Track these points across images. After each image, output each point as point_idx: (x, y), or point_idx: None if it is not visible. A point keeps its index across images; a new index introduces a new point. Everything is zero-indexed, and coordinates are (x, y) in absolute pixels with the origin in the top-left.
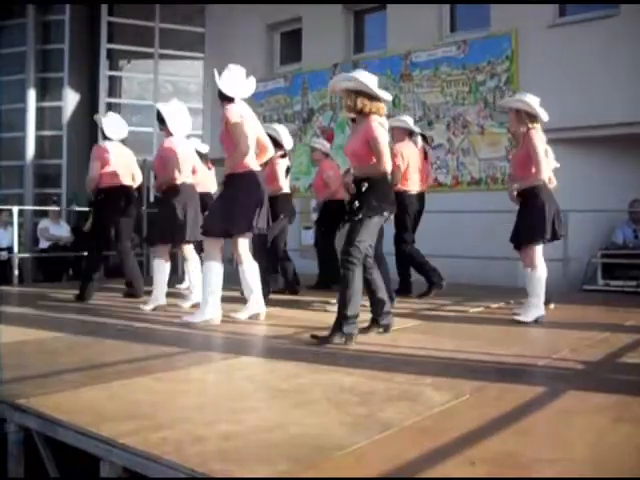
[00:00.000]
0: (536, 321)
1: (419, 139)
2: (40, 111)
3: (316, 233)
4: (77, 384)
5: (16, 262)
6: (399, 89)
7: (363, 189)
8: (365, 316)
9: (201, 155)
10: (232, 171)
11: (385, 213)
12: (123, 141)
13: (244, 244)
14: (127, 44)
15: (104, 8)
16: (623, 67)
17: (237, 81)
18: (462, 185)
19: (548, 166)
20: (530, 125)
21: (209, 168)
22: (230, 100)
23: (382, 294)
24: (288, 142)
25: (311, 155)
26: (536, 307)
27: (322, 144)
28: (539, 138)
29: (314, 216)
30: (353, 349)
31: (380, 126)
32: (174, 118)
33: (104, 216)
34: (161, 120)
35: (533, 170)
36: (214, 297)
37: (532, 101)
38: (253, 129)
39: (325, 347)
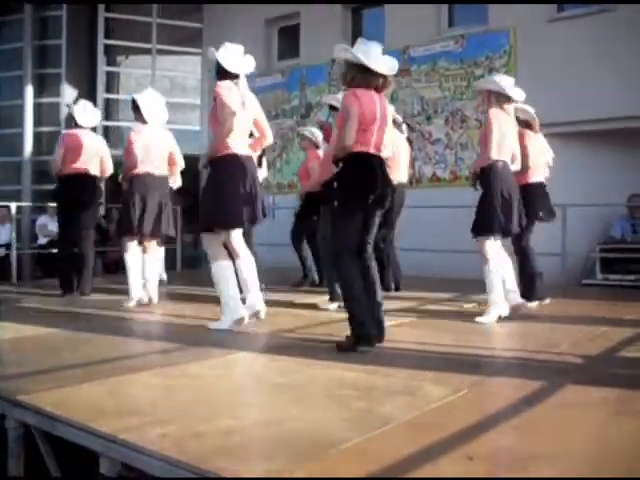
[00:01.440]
0: (498, 319)
1: (404, 127)
2: (38, 107)
3: (294, 226)
4: (76, 380)
5: (14, 258)
6: (397, 84)
7: (338, 169)
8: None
9: None
10: (215, 154)
11: (367, 200)
12: (94, 130)
13: (237, 236)
14: (124, 40)
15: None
16: (621, 61)
17: (236, 57)
18: (460, 180)
19: (542, 156)
20: (496, 105)
21: None
22: (232, 77)
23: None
24: None
25: (299, 142)
26: (495, 305)
27: (312, 133)
28: (499, 118)
29: None
30: None
31: (353, 96)
32: (149, 107)
33: (63, 205)
34: (136, 109)
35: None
36: (234, 299)
37: (503, 82)
38: (251, 110)
39: (325, 342)
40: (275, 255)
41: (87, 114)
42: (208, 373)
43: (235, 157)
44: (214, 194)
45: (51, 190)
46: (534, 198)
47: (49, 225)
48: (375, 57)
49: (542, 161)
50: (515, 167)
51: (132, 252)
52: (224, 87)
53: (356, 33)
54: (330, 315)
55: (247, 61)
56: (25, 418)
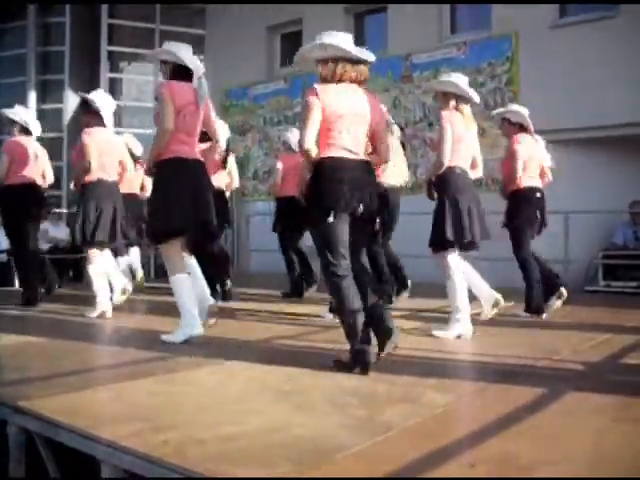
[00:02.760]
0: (458, 337)
1: (395, 128)
2: (41, 113)
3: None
4: (78, 386)
5: None
6: (400, 90)
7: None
8: None
9: (132, 155)
10: (158, 158)
11: (332, 211)
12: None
13: (172, 246)
14: (127, 46)
15: (104, 10)
16: (624, 68)
17: (190, 56)
18: None
19: (536, 160)
20: (452, 108)
21: (136, 169)
22: (187, 77)
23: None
24: None
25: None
26: (457, 322)
27: (287, 137)
28: (453, 121)
29: None
30: None
31: (314, 90)
32: (107, 110)
33: (10, 215)
34: (92, 110)
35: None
36: (190, 314)
37: (462, 82)
38: (202, 111)
39: (325, 349)
40: (271, 261)
41: (36, 122)
42: (209, 380)
43: (180, 161)
44: (154, 200)
45: None
46: (523, 205)
47: (50, 231)
48: (343, 42)
49: (535, 165)
50: (476, 174)
51: (96, 263)
52: (170, 82)
53: (358, 40)
54: (326, 322)
55: (197, 61)
56: (26, 424)
